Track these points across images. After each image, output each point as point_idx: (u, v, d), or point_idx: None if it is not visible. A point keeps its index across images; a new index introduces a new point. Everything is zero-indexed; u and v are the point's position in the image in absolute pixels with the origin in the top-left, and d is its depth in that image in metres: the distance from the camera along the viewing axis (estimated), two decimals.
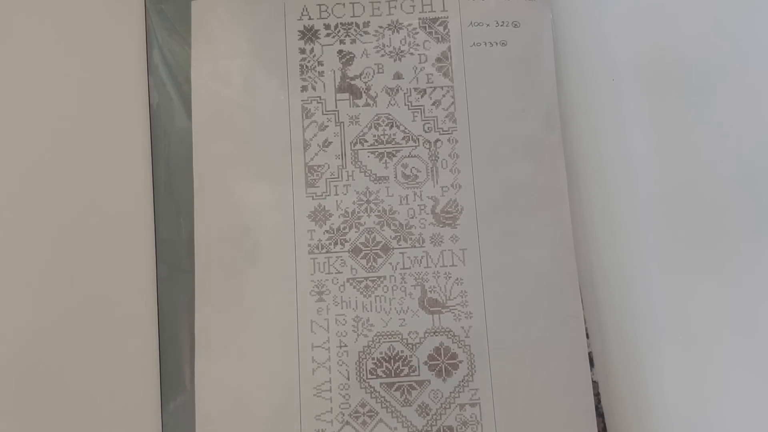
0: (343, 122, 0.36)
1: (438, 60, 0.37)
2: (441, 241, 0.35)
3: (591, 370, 0.34)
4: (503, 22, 0.37)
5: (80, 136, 0.37)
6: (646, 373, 0.35)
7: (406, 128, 0.36)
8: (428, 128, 0.36)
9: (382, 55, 0.37)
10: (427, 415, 0.34)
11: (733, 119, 0.38)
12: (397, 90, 0.36)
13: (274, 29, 0.37)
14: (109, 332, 0.35)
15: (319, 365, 0.34)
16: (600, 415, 0.34)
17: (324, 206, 0.35)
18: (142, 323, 0.35)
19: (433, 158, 0.36)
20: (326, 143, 0.36)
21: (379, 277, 0.35)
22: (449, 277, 0.35)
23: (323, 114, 0.36)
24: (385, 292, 0.35)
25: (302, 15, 0.37)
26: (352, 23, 0.37)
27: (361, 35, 0.37)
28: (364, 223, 0.35)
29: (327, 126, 0.36)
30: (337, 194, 0.36)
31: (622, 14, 0.39)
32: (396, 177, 0.36)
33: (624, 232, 0.36)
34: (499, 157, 0.36)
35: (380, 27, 0.37)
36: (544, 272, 0.35)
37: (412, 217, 0.35)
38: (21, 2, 0.38)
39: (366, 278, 0.35)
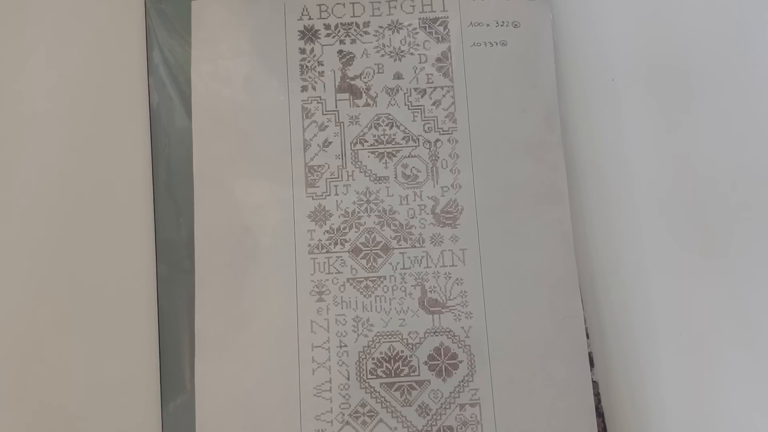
0: (343, 122, 0.36)
1: (438, 60, 0.37)
2: (441, 241, 0.35)
3: (591, 370, 0.34)
4: (503, 22, 0.37)
5: (80, 136, 0.37)
6: (646, 373, 0.35)
7: (406, 128, 0.36)
8: (428, 128, 0.36)
9: (382, 55, 0.37)
10: (427, 415, 0.34)
11: (732, 119, 0.38)
12: (397, 90, 0.36)
13: (274, 29, 0.37)
14: (109, 332, 0.35)
15: (319, 365, 0.34)
16: (600, 415, 0.34)
17: (324, 206, 0.35)
18: (142, 323, 0.35)
19: (433, 158, 0.36)
20: (326, 143, 0.36)
21: (379, 277, 0.35)
22: (449, 277, 0.35)
23: (323, 114, 0.36)
24: (385, 292, 0.35)
25: (302, 15, 0.37)
26: (352, 23, 0.37)
27: (361, 35, 0.37)
28: (364, 223, 0.35)
29: (327, 126, 0.36)
30: (337, 194, 0.36)
31: (621, 14, 0.39)
32: (396, 177, 0.36)
33: (624, 232, 0.36)
34: (500, 157, 0.36)
35: (380, 27, 0.37)
36: (544, 272, 0.35)
37: (412, 217, 0.35)
38: (22, 2, 0.38)
39: (366, 278, 0.35)
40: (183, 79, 0.36)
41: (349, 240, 0.35)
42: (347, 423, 0.34)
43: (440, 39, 0.37)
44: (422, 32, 0.37)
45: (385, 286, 0.35)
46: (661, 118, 0.38)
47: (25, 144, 0.37)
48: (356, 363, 0.34)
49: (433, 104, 0.36)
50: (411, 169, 0.36)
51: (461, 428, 0.33)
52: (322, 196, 0.36)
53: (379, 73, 0.37)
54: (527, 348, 0.34)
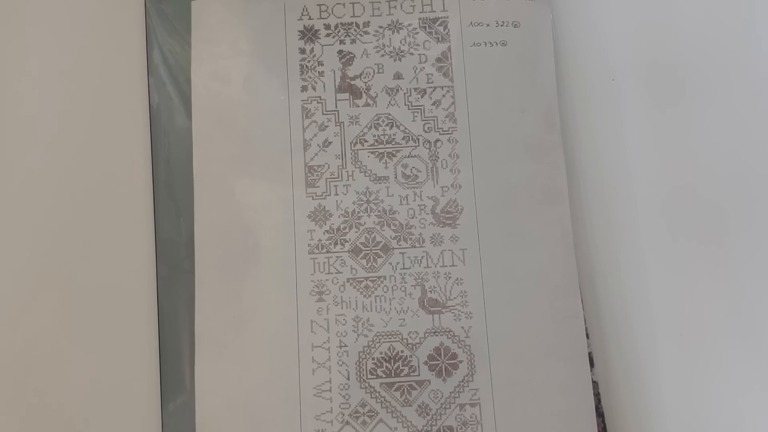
0: (343, 122, 0.36)
1: (438, 60, 0.37)
2: (441, 241, 0.35)
3: (591, 370, 0.34)
4: (503, 22, 0.37)
5: (80, 136, 0.37)
6: (646, 373, 0.35)
7: (406, 128, 0.36)
8: (428, 128, 0.36)
9: (382, 55, 0.37)
10: (427, 415, 0.34)
11: (732, 119, 0.38)
12: (397, 90, 0.36)
13: (274, 29, 0.37)
14: (109, 332, 0.35)
15: (319, 365, 0.34)
16: (600, 415, 0.34)
17: (324, 206, 0.35)
18: (142, 323, 0.35)
19: (433, 158, 0.36)
20: (326, 143, 0.36)
21: (379, 277, 0.35)
22: (449, 277, 0.35)
23: (323, 114, 0.36)
24: (385, 292, 0.35)
25: (302, 15, 0.37)
26: (352, 23, 0.37)
27: (361, 35, 0.37)
28: (364, 223, 0.35)
29: (327, 126, 0.36)
30: (337, 194, 0.36)
31: (621, 14, 0.39)
32: (396, 177, 0.36)
33: (624, 231, 0.36)
34: (499, 157, 0.36)
35: (380, 27, 0.37)
36: (544, 272, 0.35)
37: (412, 217, 0.35)
38: (21, 3, 0.38)
39: (366, 278, 0.35)
40: (183, 79, 0.36)
41: (349, 240, 0.35)
42: (347, 423, 0.34)
43: (440, 39, 0.37)
44: (422, 32, 0.37)
45: (385, 286, 0.35)
46: (662, 118, 0.38)
47: (25, 144, 0.37)
48: (356, 363, 0.34)
49: (433, 104, 0.36)
50: (411, 169, 0.36)
51: (461, 428, 0.33)
52: (322, 196, 0.36)
53: (379, 73, 0.37)
54: (527, 348, 0.34)
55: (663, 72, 0.38)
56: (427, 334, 0.34)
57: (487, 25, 0.37)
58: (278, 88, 0.36)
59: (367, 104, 0.36)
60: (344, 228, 0.35)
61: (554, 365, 0.34)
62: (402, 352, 0.34)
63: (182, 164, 0.36)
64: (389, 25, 0.37)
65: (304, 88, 0.36)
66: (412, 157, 0.36)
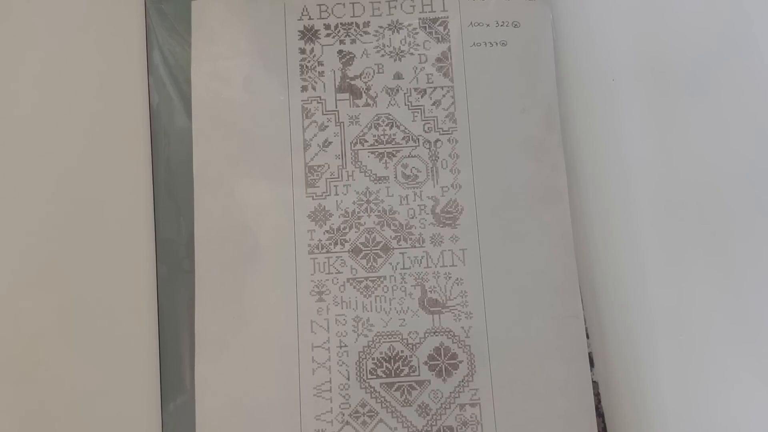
0: (343, 122, 0.36)
1: (438, 60, 0.37)
2: (441, 241, 0.35)
3: (591, 370, 0.34)
4: (503, 22, 0.37)
5: (80, 136, 0.37)
6: (646, 373, 0.35)
7: (406, 128, 0.36)
8: (428, 128, 0.36)
9: (382, 55, 0.37)
10: (427, 415, 0.34)
11: (733, 119, 0.38)
12: (397, 90, 0.36)
13: (274, 29, 0.37)
14: (109, 332, 0.35)
15: (319, 365, 0.34)
16: (600, 415, 0.34)
17: (324, 206, 0.35)
18: (142, 323, 0.35)
19: (433, 158, 0.36)
20: (326, 143, 0.36)
21: (379, 277, 0.35)
22: (449, 277, 0.35)
23: (323, 114, 0.36)
24: (385, 292, 0.35)
25: (302, 15, 0.37)
26: (352, 23, 0.37)
27: (361, 35, 0.37)
28: (364, 223, 0.35)
29: (327, 126, 0.36)
30: (337, 194, 0.36)
31: (621, 14, 0.39)
32: (396, 177, 0.36)
33: (624, 231, 0.36)
34: (499, 157, 0.36)
35: (380, 27, 0.37)
36: (544, 272, 0.35)
37: (412, 217, 0.35)
38: (21, 2, 0.38)
39: (366, 278, 0.35)
40: (183, 79, 0.36)
41: (349, 240, 0.35)
42: (347, 423, 0.34)
43: (440, 39, 0.37)
44: (422, 32, 0.37)
45: (385, 286, 0.35)
46: (661, 118, 0.38)
47: (25, 144, 0.37)
48: (356, 363, 0.34)
49: (433, 104, 0.36)
50: (411, 169, 0.36)
51: (461, 428, 0.33)
52: (322, 196, 0.36)
53: (379, 73, 0.37)
54: (527, 348, 0.34)
55: (663, 72, 0.38)
56: (427, 334, 0.34)
57: (487, 25, 0.37)
58: (278, 88, 0.36)
59: (367, 104, 0.36)
60: (344, 228, 0.35)
61: (554, 365, 0.34)
62: (402, 352, 0.34)
63: (182, 164, 0.36)
64: (389, 25, 0.37)
65: (304, 88, 0.36)
66: (412, 157, 0.36)
